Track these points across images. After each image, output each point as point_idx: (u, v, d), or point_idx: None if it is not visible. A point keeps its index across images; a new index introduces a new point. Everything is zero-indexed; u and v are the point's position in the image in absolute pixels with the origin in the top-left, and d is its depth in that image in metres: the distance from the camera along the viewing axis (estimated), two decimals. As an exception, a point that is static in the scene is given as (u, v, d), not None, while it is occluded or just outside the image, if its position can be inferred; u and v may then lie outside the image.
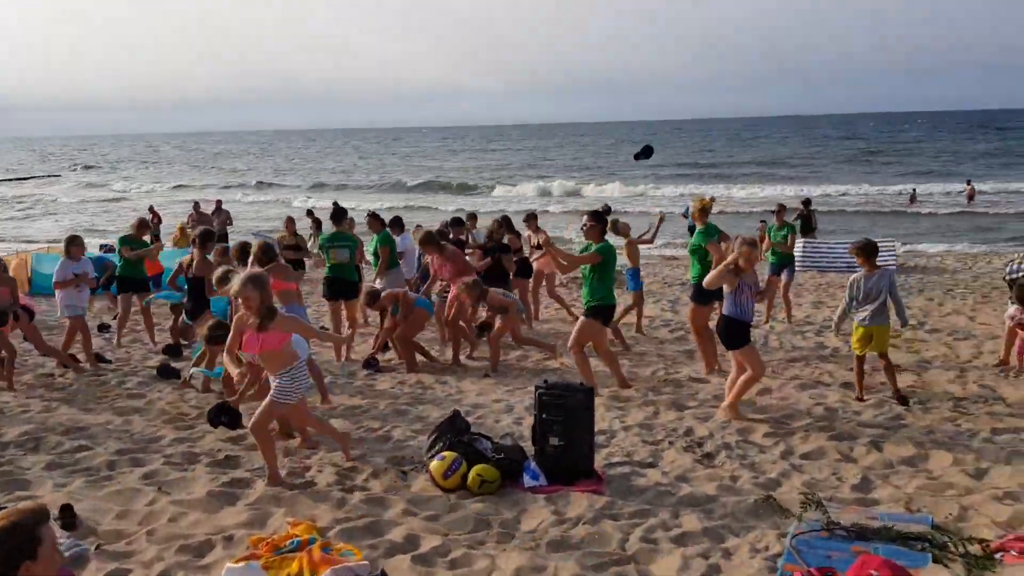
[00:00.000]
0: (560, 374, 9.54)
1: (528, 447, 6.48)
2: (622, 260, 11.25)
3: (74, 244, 10.66)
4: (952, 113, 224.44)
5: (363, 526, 5.42)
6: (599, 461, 6.55)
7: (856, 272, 8.54)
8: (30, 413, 8.38)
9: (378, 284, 11.03)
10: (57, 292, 10.49)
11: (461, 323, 10.51)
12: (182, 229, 22.54)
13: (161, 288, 12.67)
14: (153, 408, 8.57)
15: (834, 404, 8.21)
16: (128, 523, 5.54)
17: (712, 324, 9.03)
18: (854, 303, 8.37)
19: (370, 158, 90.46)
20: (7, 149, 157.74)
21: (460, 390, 9.07)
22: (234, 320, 6.38)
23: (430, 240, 10.59)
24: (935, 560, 4.90)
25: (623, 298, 12.57)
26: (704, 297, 9.30)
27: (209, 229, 10.34)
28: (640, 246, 11.90)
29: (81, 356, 10.49)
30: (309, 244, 21.03)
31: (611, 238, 10.80)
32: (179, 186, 59.55)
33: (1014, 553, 4.88)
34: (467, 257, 11.33)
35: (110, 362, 10.58)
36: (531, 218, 13.78)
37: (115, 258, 13.23)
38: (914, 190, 38.18)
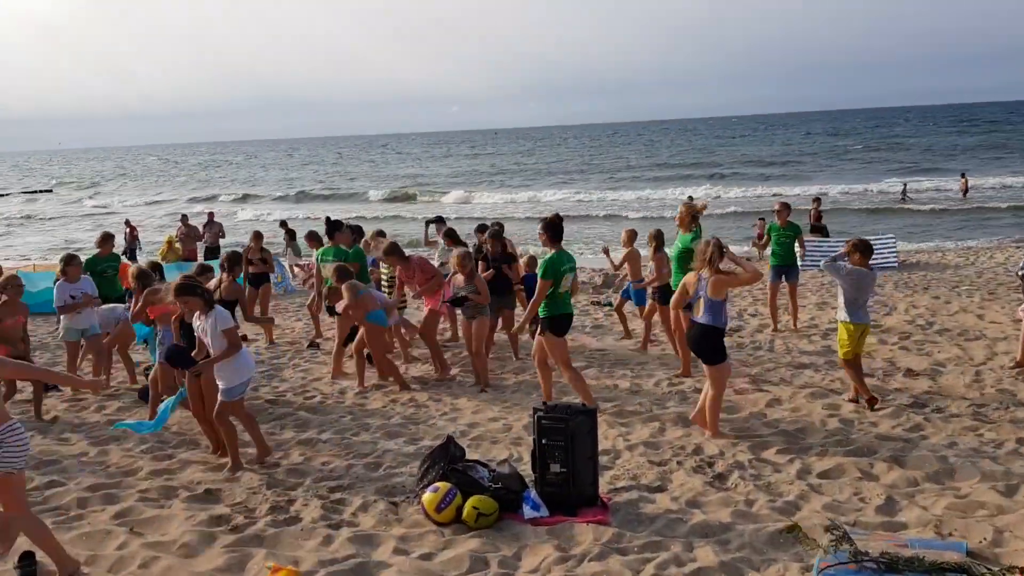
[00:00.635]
0: (560, 391, 9.12)
1: (527, 472, 6.07)
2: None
3: (71, 264, 10.11)
4: (940, 107, 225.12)
5: (350, 568, 4.99)
6: (603, 485, 6.12)
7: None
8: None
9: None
10: (61, 315, 10.03)
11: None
12: (170, 242, 22.13)
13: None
14: (132, 436, 8.12)
15: (849, 415, 7.80)
16: (95, 570, 5.10)
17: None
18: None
19: (322, 166, 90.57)
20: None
21: (455, 408, 8.64)
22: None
23: (394, 251, 10.17)
24: (974, 594, 4.49)
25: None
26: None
27: (236, 252, 9.80)
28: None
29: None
30: (285, 255, 20.57)
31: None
32: (153, 202, 58.78)
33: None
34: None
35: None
36: (482, 229, 13.41)
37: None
38: (904, 185, 37.84)
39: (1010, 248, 21.90)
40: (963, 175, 37.87)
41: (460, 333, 10.80)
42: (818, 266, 18.13)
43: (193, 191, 65.10)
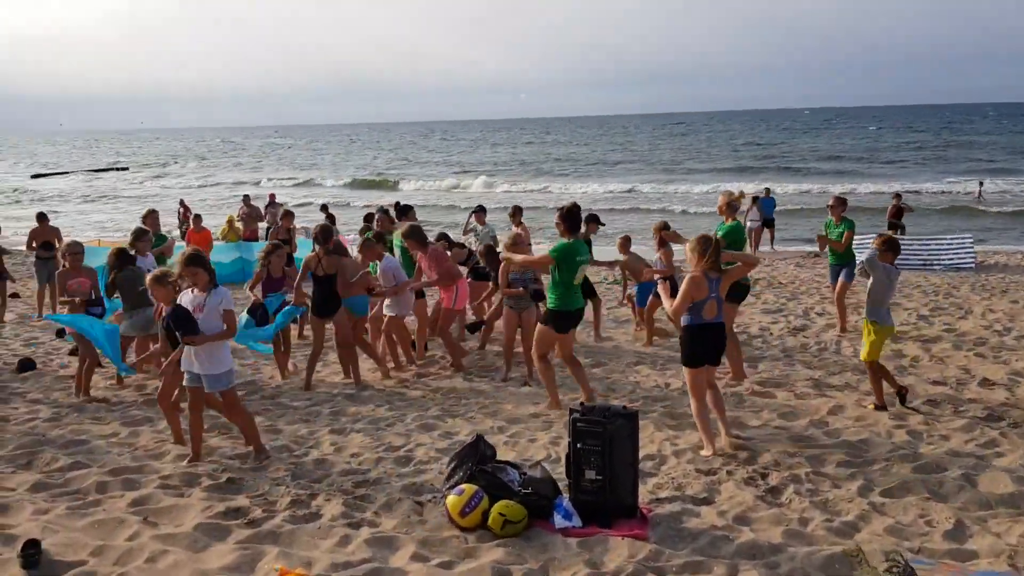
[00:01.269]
0: (609, 388, 8.69)
1: (562, 477, 5.66)
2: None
3: (140, 239, 10.02)
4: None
5: (363, 574, 4.65)
6: (644, 494, 5.69)
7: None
8: (35, 422, 7.83)
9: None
10: None
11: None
12: (231, 222, 22.21)
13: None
14: (163, 420, 7.94)
15: (918, 427, 7.20)
16: (100, 563, 4.85)
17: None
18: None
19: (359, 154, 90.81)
20: (67, 141, 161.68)
21: (496, 401, 8.27)
22: None
23: (412, 234, 9.77)
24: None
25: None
26: (732, 296, 8.45)
27: (327, 225, 9.52)
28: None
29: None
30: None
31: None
32: (217, 183, 59.65)
33: None
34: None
35: None
36: (516, 212, 13.02)
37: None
38: (981, 184, 36.21)
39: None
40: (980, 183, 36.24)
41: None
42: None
43: (252, 173, 66.14)
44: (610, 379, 9.04)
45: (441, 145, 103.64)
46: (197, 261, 6.53)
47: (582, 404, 5.46)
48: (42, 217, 15.56)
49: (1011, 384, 8.53)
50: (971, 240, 18.38)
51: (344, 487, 5.97)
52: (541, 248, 12.99)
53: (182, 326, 6.37)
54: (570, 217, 7.58)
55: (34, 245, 14.80)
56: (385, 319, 9.57)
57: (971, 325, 11.50)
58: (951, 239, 18.53)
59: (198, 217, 17.99)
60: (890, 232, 11.51)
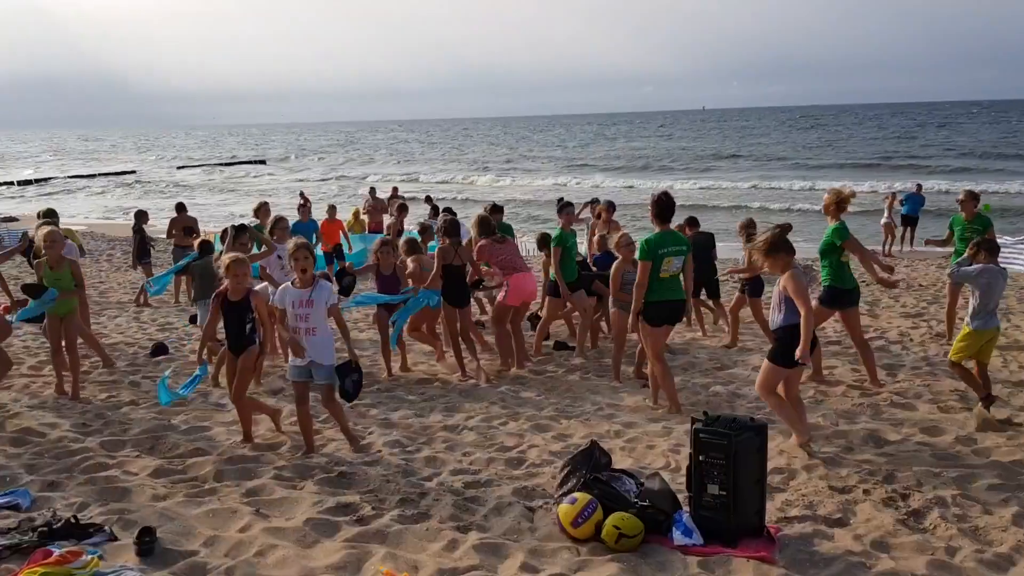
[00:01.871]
0: (734, 394, 8.25)
1: (681, 489, 5.32)
2: None
3: (278, 226, 10.21)
4: None
5: (470, 583, 4.47)
6: (772, 511, 5.29)
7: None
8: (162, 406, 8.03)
9: None
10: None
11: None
12: (356, 215, 22.63)
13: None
14: (283, 408, 8.02)
15: (1082, 450, 6.49)
16: (211, 554, 4.85)
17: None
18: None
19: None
20: (220, 136, 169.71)
21: (614, 403, 7.97)
22: None
23: (477, 225, 9.51)
24: None
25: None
26: (837, 302, 8.21)
27: (455, 220, 9.54)
28: None
29: None
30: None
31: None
32: (342, 176, 61.12)
33: None
34: None
35: None
36: (610, 208, 12.44)
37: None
38: None
39: None
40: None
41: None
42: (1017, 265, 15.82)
43: (370, 167, 67.63)
44: (734, 384, 8.59)
45: (553, 139, 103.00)
46: (310, 248, 6.64)
47: (705, 413, 5.10)
48: (181, 207, 16.20)
49: None
50: None
51: (454, 487, 5.82)
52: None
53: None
54: (660, 204, 7.49)
55: (173, 233, 15.42)
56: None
57: None
58: None
59: (332, 208, 18.21)
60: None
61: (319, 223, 16.83)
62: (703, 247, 10.47)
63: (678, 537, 4.84)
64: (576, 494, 5.02)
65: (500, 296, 9.50)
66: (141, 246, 15.57)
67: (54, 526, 5.00)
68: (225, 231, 10.16)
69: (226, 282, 6.77)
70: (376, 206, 22.51)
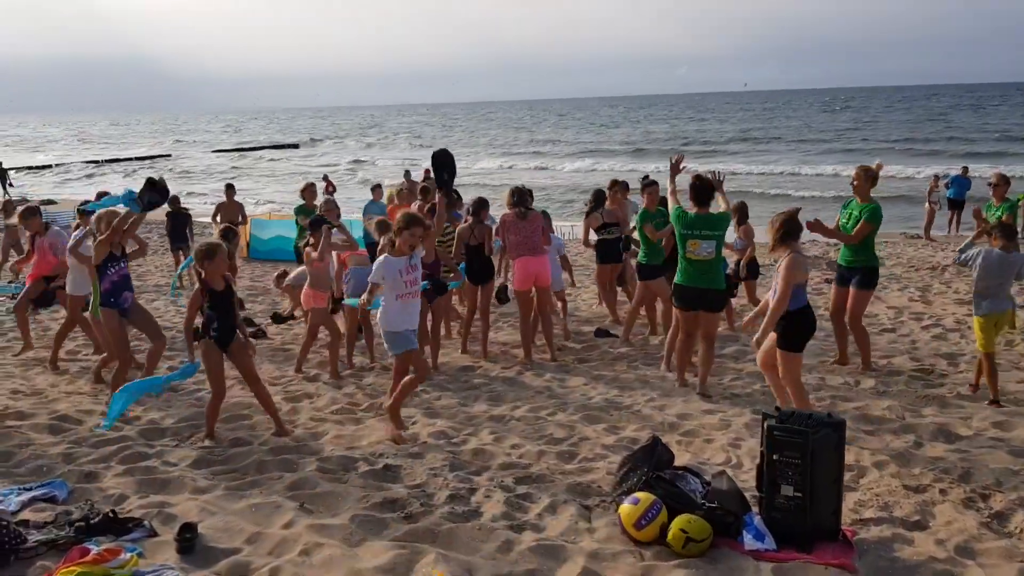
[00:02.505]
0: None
1: (749, 487, 5.01)
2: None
3: (330, 209, 10.02)
4: None
5: (527, 588, 4.20)
6: (846, 513, 4.94)
7: None
8: (202, 392, 7.84)
9: None
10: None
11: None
12: (391, 198, 22.40)
13: None
14: (325, 394, 7.82)
15: None
16: (254, 551, 4.62)
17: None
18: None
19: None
20: (254, 119, 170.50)
21: (664, 393, 7.65)
22: None
23: (515, 195, 9.03)
24: None
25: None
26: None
27: (483, 199, 9.26)
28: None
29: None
30: None
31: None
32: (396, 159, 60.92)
33: None
34: None
35: None
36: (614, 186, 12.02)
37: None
38: None
39: None
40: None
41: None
42: None
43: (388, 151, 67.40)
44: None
45: (577, 124, 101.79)
46: (420, 220, 6.62)
47: (778, 408, 4.77)
48: (230, 189, 15.85)
49: None
50: None
51: (505, 483, 5.54)
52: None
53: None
54: (693, 189, 7.52)
55: (218, 219, 15.08)
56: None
57: None
58: None
59: (390, 190, 17.81)
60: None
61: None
62: None
63: (749, 541, 4.53)
64: (639, 494, 4.72)
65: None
66: (176, 230, 15.38)
67: (92, 520, 4.80)
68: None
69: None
70: (412, 188, 22.24)
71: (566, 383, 8.10)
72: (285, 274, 10.57)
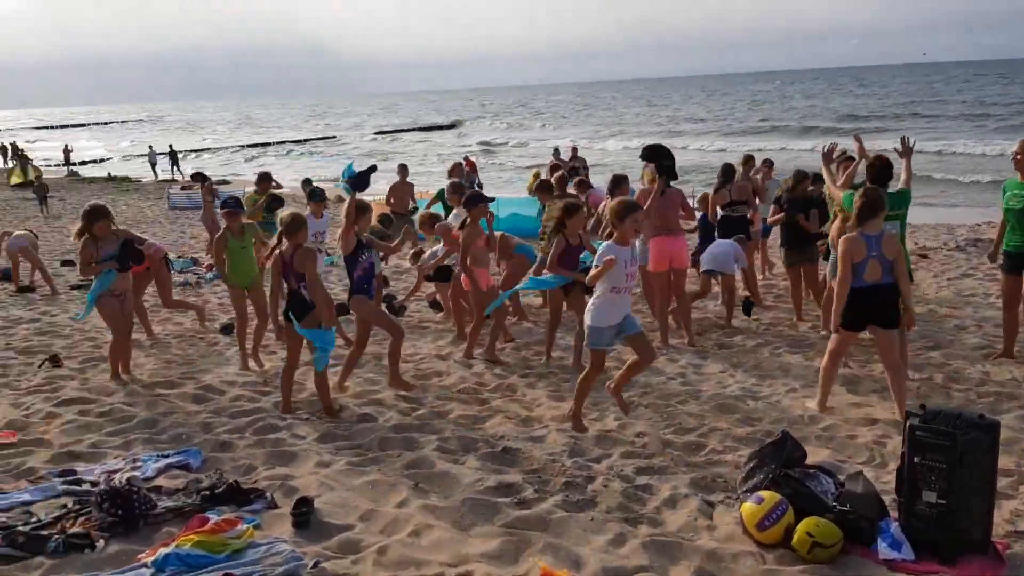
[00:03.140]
0: (950, 377, 7.25)
1: (889, 492, 4.60)
2: None
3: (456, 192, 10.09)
4: None
5: (636, 587, 3.99)
6: (999, 523, 4.46)
7: None
8: (337, 367, 8.00)
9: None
10: None
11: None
12: (537, 176, 22.37)
13: None
14: (455, 372, 7.83)
15: None
16: (367, 528, 4.64)
17: None
18: None
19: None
20: (413, 101, 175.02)
21: (808, 384, 7.17)
22: None
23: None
24: None
25: None
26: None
27: (621, 175, 9.17)
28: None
29: None
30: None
31: None
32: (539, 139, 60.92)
33: None
34: None
35: None
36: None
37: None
38: None
39: None
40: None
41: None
42: None
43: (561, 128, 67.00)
44: (951, 366, 7.55)
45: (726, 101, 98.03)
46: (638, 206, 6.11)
47: (923, 406, 4.33)
48: (403, 169, 15.52)
49: None
50: None
51: (624, 472, 5.33)
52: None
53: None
54: (871, 169, 6.92)
55: (392, 200, 14.86)
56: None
57: None
58: None
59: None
60: None
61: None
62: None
63: (884, 550, 4.14)
64: (763, 492, 4.41)
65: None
66: None
67: (217, 490, 4.96)
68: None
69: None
70: (558, 167, 22.11)
71: (702, 370, 7.76)
72: (421, 253, 10.66)
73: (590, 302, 6.02)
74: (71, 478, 5.33)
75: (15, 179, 34.29)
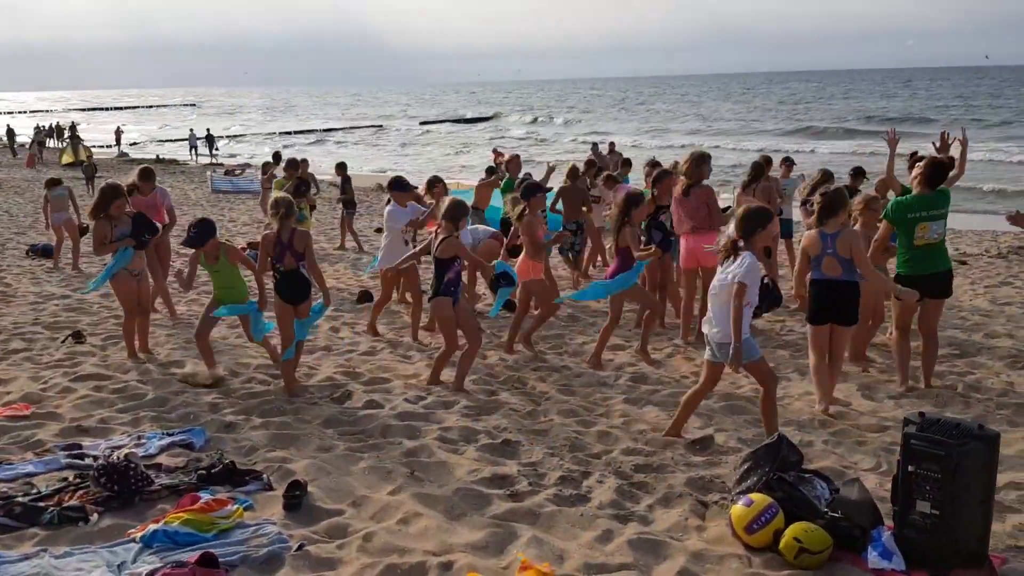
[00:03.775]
0: (971, 388, 7.07)
1: (886, 501, 4.49)
2: None
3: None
4: None
5: (617, 584, 3.94)
6: (1000, 536, 4.34)
7: None
8: (352, 354, 8.07)
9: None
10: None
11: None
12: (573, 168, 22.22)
13: None
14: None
15: None
16: (356, 515, 4.65)
17: None
18: None
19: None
20: (457, 93, 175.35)
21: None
22: None
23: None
24: None
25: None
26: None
27: (665, 170, 9.17)
28: None
29: None
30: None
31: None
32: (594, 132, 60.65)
33: None
34: None
35: None
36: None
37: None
38: None
39: None
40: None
41: None
42: None
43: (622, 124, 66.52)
44: (974, 375, 7.36)
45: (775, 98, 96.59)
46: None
47: (922, 414, 4.21)
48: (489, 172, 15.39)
49: None
50: None
51: (622, 469, 5.28)
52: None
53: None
54: (926, 169, 6.65)
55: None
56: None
57: None
58: None
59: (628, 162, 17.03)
60: None
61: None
62: None
63: (874, 559, 4.04)
64: (754, 495, 4.33)
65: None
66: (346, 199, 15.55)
67: (213, 470, 5.01)
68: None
69: None
70: (603, 163, 21.92)
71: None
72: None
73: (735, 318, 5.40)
74: (76, 452, 5.43)
75: (66, 158, 35.01)
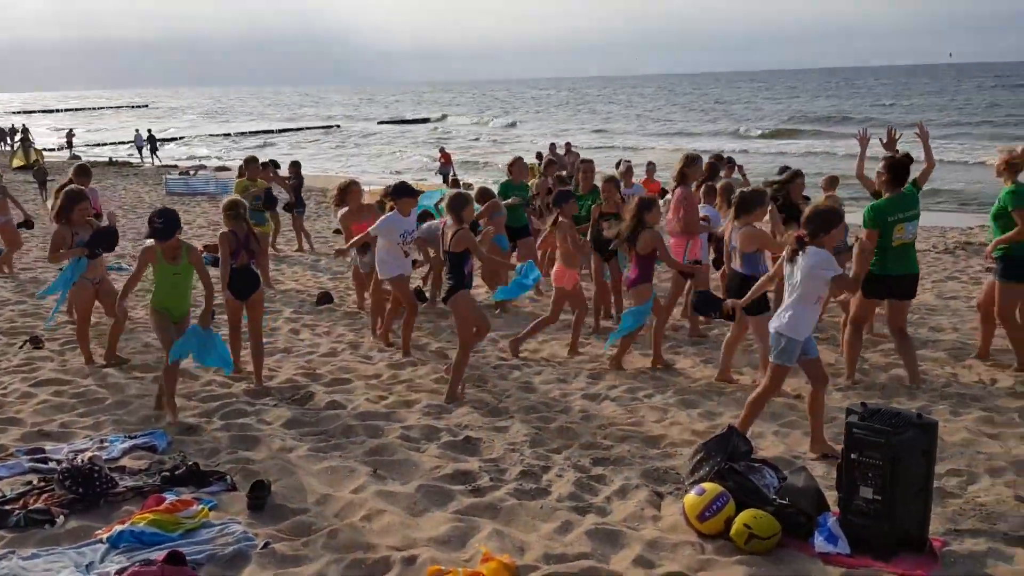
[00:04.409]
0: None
1: (832, 488, 4.69)
2: None
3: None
4: None
5: (576, 572, 4.08)
6: (941, 521, 4.55)
7: None
8: (312, 356, 8.13)
9: None
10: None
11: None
12: (532, 169, 22.40)
13: None
14: (428, 363, 7.92)
15: None
16: (320, 514, 4.73)
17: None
18: None
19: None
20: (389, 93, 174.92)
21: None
22: None
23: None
24: None
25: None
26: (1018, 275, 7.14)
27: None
28: None
29: None
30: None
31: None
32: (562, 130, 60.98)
33: None
34: None
35: None
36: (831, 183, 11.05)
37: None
38: None
39: None
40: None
41: None
42: None
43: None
44: (920, 367, 7.59)
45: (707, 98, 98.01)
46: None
47: (863, 404, 4.41)
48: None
49: None
50: None
51: (581, 463, 5.43)
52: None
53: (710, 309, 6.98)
54: (895, 168, 6.79)
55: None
56: None
57: None
58: None
59: (652, 166, 16.73)
60: None
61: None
62: None
63: (820, 544, 4.23)
64: (706, 484, 4.50)
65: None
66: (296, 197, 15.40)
67: (177, 472, 5.06)
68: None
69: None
70: (554, 160, 22.03)
71: (675, 364, 7.84)
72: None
73: (790, 316, 5.35)
74: (38, 456, 5.44)
75: (17, 162, 34.34)
